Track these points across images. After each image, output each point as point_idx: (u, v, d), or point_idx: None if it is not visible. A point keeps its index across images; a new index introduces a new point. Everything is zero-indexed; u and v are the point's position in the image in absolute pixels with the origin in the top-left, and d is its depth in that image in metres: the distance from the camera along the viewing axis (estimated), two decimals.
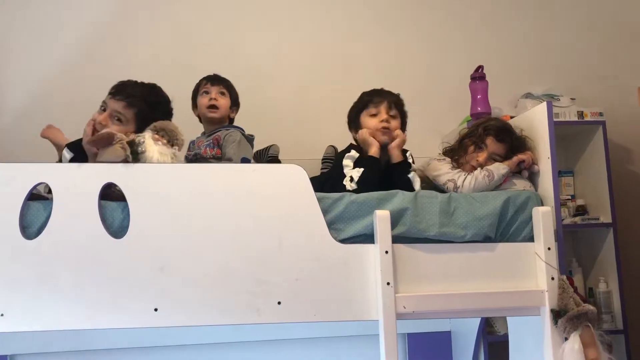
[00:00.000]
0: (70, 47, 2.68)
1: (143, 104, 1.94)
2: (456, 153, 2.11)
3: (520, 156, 2.00)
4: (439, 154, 2.17)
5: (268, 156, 2.27)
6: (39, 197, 1.73)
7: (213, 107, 2.19)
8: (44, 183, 1.68)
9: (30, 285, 1.61)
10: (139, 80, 1.99)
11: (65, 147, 1.87)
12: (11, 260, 1.61)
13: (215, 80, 2.26)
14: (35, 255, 1.62)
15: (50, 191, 1.67)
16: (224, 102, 2.21)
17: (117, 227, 1.67)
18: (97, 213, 1.65)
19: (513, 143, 2.05)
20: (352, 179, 1.96)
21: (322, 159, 2.29)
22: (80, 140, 1.89)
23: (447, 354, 2.58)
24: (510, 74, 2.98)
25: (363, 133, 2.08)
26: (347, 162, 2.03)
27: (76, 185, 1.67)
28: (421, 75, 2.92)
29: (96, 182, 1.67)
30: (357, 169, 1.98)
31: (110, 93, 1.93)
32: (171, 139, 1.83)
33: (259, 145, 2.26)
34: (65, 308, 1.62)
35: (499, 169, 1.98)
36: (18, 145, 2.16)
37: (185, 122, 2.21)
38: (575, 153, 2.93)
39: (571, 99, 2.84)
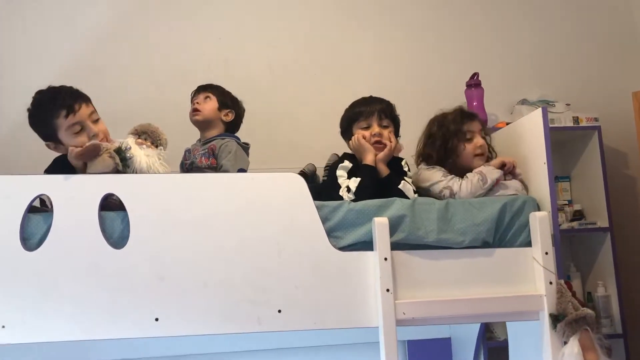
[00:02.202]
0: (68, 59, 2.69)
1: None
2: (447, 158, 2.09)
3: (504, 159, 2.06)
4: (423, 163, 2.15)
5: None
6: (40, 209, 1.74)
7: (195, 110, 2.24)
8: (45, 195, 1.69)
9: (31, 297, 1.61)
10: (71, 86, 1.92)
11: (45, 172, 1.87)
12: (12, 272, 1.61)
13: (201, 88, 2.30)
14: (36, 267, 1.62)
15: (42, 204, 1.68)
16: (207, 105, 2.24)
17: (117, 238, 1.68)
18: (97, 224, 1.66)
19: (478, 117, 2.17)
20: (349, 189, 1.95)
21: (325, 167, 2.30)
22: (56, 162, 1.88)
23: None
24: (505, 80, 3.00)
25: (357, 139, 2.07)
26: (341, 173, 2.03)
27: (76, 196, 1.67)
28: (416, 83, 2.93)
29: (96, 193, 1.68)
30: (353, 178, 1.97)
31: (66, 115, 1.81)
32: (154, 140, 1.85)
33: (255, 153, 2.27)
34: (66, 319, 1.62)
35: (491, 172, 2.01)
36: (17, 157, 2.16)
37: (182, 131, 2.25)
38: (571, 159, 2.95)
39: (566, 104, 2.86)
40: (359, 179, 1.96)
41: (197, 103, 2.24)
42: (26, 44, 2.70)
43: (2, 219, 1.63)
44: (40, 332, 1.61)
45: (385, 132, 2.09)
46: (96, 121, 1.88)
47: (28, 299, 1.61)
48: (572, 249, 2.95)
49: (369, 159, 2.03)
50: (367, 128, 2.10)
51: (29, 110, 1.87)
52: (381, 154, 2.04)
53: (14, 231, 1.62)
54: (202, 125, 2.25)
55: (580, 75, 3.08)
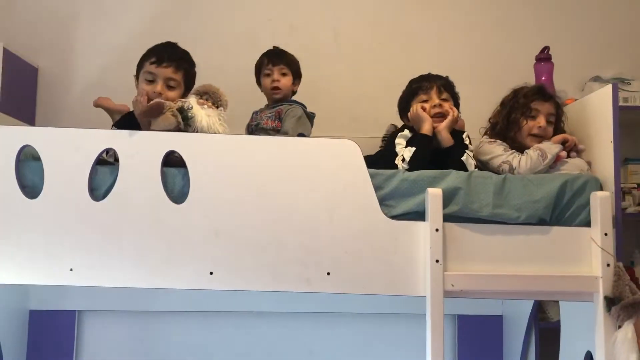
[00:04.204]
0: (138, 21, 2.79)
1: (187, 65, 2.02)
2: (508, 131, 2.08)
3: (566, 135, 2.02)
4: (485, 136, 2.14)
5: None
6: (107, 162, 1.84)
7: (276, 88, 2.26)
8: (112, 149, 1.78)
9: (96, 244, 1.72)
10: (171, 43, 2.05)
11: (113, 126, 1.97)
12: (81, 219, 1.72)
13: (276, 59, 2.29)
14: (102, 216, 1.72)
15: (116, 158, 1.78)
16: (285, 81, 2.27)
17: (177, 193, 1.75)
18: (160, 179, 1.74)
19: (556, 101, 2.09)
20: (403, 159, 1.95)
21: (382, 138, 2.30)
22: (124, 118, 1.97)
23: (498, 337, 2.57)
24: (578, 55, 2.87)
25: (415, 108, 2.06)
26: (400, 141, 2.02)
27: (140, 151, 1.75)
28: (483, 56, 2.85)
29: (159, 149, 1.75)
30: (408, 148, 1.96)
31: (152, 62, 1.96)
32: (215, 100, 1.91)
33: (315, 120, 2.30)
34: (127, 267, 1.72)
35: (551, 148, 1.96)
36: (88, 113, 2.27)
37: (245, 94, 2.30)
38: None
39: None
40: (413, 149, 1.95)
41: (277, 80, 2.25)
42: (102, 7, 2.82)
43: (72, 169, 1.73)
44: (103, 277, 1.72)
45: (446, 105, 2.07)
46: (170, 88, 1.97)
47: (93, 245, 1.72)
48: (638, 235, 2.83)
49: (425, 128, 2.01)
50: (427, 102, 2.09)
51: None
52: (445, 122, 2.02)
53: (82, 181, 1.72)
54: (279, 100, 2.28)
55: None
